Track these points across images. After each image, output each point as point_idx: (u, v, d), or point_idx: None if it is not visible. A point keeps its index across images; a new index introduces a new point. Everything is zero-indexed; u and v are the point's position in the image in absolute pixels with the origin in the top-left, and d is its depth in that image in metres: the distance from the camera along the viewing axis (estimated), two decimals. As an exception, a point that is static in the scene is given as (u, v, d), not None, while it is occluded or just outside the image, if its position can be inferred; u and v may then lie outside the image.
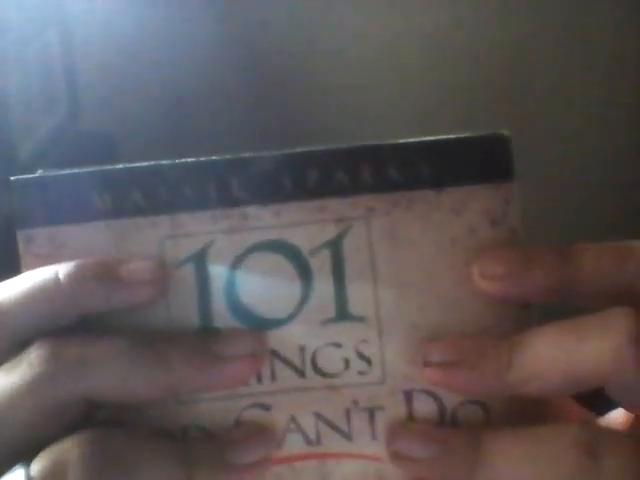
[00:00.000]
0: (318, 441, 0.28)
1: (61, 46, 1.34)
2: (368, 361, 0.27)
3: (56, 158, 1.29)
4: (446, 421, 0.27)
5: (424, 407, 0.27)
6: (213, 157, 0.29)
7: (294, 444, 0.28)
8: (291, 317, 0.27)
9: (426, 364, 0.26)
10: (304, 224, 0.27)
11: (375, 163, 0.27)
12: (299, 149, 0.28)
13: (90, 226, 0.27)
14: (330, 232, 0.27)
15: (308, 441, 0.28)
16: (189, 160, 0.29)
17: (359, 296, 0.27)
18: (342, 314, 0.27)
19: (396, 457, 0.27)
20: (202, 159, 0.29)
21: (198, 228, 0.28)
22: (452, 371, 0.26)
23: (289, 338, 0.27)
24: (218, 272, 0.27)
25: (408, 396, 0.27)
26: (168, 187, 0.28)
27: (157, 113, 1.56)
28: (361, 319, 0.27)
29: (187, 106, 1.57)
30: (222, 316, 0.27)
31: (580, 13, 1.42)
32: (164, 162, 0.29)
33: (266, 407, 0.28)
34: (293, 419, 0.28)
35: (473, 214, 0.27)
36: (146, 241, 0.27)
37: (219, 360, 0.26)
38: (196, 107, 1.55)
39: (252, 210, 0.27)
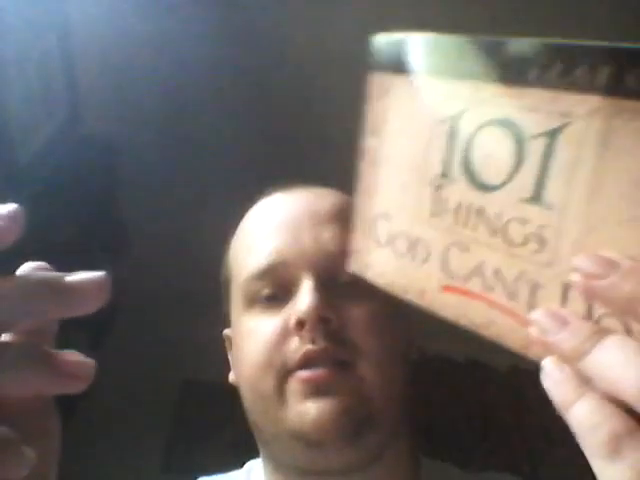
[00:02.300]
0: (492, 289, 0.32)
1: (61, 51, 1.35)
2: (543, 244, 0.31)
3: (56, 161, 1.30)
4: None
5: (575, 302, 0.30)
6: (480, 38, 0.32)
7: (475, 284, 0.33)
8: (499, 186, 0.31)
9: (576, 269, 0.28)
10: (536, 110, 0.30)
11: (615, 66, 0.27)
12: (549, 40, 0.30)
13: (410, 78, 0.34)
14: (553, 123, 0.29)
15: (485, 286, 0.33)
16: (468, 39, 0.32)
17: (555, 187, 0.30)
18: (536, 197, 0.30)
19: (535, 325, 0.30)
20: (477, 39, 0.31)
21: (462, 94, 0.32)
22: (591, 281, 0.28)
23: (493, 202, 0.32)
24: (463, 134, 0.32)
25: (565, 287, 0.30)
26: (454, 58, 0.32)
27: (156, 116, 1.56)
28: (550, 207, 0.30)
29: (186, 109, 1.57)
30: (456, 170, 0.33)
31: (580, 13, 1.42)
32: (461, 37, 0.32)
33: (465, 248, 0.33)
34: (480, 265, 0.33)
35: None
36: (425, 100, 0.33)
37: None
38: (195, 110, 1.56)
39: (500, 88, 0.31)
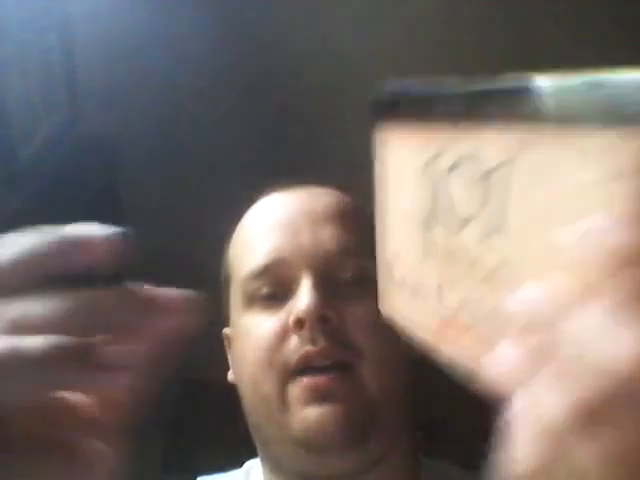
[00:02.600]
0: (476, 323, 0.33)
1: (62, 49, 1.35)
2: (509, 273, 0.32)
3: (56, 160, 1.30)
4: None
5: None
6: (449, 83, 0.33)
7: (463, 319, 0.34)
8: (471, 220, 0.33)
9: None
10: (491, 145, 0.31)
11: (534, 99, 0.28)
12: (496, 82, 0.31)
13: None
14: (504, 156, 0.31)
15: (471, 320, 0.33)
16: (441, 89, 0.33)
17: (512, 216, 0.31)
18: (500, 228, 0.32)
19: None
20: (446, 84, 0.32)
21: (436, 137, 0.34)
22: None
23: (469, 237, 0.33)
24: (439, 176, 0.34)
25: None
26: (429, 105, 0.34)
27: (156, 115, 1.56)
28: (510, 236, 0.31)
29: (186, 108, 1.57)
30: (439, 211, 0.34)
31: (580, 13, 1.42)
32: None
33: (453, 285, 0.34)
34: (465, 299, 0.33)
35: (615, 161, 0.25)
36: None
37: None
38: (195, 109, 1.56)
39: (465, 128, 0.32)
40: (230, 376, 0.55)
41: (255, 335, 0.48)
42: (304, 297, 0.46)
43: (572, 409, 0.23)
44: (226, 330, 0.57)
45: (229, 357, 0.56)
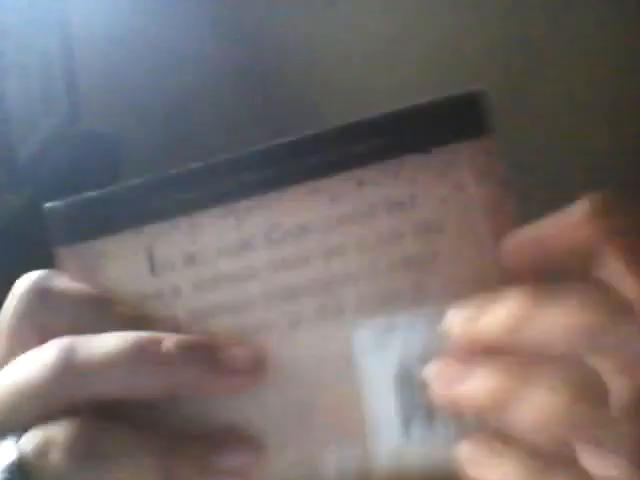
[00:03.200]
0: None
1: (62, 47, 1.34)
2: None
3: (56, 159, 1.29)
4: None
5: None
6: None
7: None
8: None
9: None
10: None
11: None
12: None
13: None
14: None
15: None
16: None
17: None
18: None
19: None
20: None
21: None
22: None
23: None
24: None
25: None
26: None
27: (157, 113, 1.56)
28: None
29: (187, 106, 1.57)
30: None
31: (580, 12, 1.42)
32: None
33: None
34: None
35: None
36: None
37: (222, 369, 0.26)
38: (196, 107, 1.55)
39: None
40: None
41: None
42: None
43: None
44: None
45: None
